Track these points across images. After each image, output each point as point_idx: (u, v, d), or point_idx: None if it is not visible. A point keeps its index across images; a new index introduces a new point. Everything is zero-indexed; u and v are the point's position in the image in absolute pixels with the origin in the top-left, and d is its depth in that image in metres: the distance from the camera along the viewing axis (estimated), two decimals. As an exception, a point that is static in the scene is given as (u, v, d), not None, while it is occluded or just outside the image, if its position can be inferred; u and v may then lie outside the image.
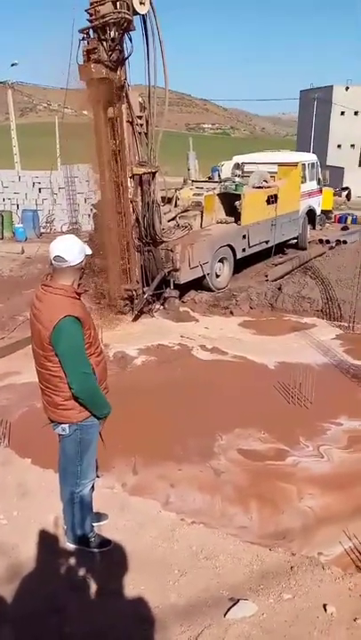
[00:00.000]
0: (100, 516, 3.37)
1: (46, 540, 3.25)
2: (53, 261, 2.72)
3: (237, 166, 11.75)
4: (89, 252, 2.83)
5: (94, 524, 3.25)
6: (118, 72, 6.76)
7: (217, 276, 9.19)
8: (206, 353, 6.56)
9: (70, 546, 3.18)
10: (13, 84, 21.67)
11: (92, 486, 3.17)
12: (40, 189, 15.95)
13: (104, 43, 6.52)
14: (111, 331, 7.17)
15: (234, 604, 2.72)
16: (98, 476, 3.36)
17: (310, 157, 12.47)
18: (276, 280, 9.31)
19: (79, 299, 2.80)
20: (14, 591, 2.85)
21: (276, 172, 10.98)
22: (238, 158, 12.14)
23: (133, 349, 6.58)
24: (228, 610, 2.69)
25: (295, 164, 11.24)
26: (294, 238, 11.87)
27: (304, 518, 3.59)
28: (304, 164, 11.57)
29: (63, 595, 2.84)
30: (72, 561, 3.11)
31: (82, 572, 3.03)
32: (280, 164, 11.22)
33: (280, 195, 10.24)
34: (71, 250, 2.71)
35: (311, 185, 12.12)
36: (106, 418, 2.95)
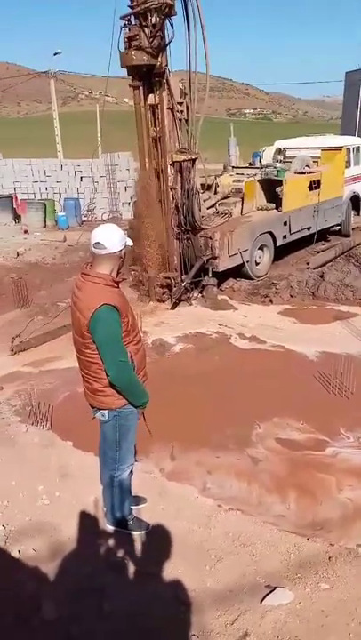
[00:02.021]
0: (138, 500, 3.44)
1: (86, 521, 3.34)
2: (93, 248, 2.75)
3: (279, 152, 11.51)
4: (130, 242, 2.85)
5: (133, 507, 3.31)
6: (159, 58, 6.73)
7: (256, 263, 9.08)
8: (244, 341, 6.53)
9: (109, 527, 3.26)
10: (56, 74, 21.92)
11: (131, 471, 3.23)
12: (82, 178, 16.13)
13: (145, 29, 6.49)
14: (150, 318, 7.22)
15: (270, 592, 2.73)
16: (136, 461, 3.42)
17: (355, 141, 12.07)
18: (317, 268, 9.11)
19: (118, 287, 2.83)
20: (56, 569, 2.95)
21: (319, 157, 10.70)
22: (280, 143, 11.89)
23: (172, 337, 6.62)
24: (265, 597, 2.70)
25: (339, 149, 10.91)
26: (338, 225, 11.57)
27: (343, 509, 3.55)
28: (349, 148, 11.21)
29: (102, 574, 2.92)
30: (111, 542, 3.19)
31: (120, 553, 3.11)
32: (323, 149, 10.92)
33: (323, 180, 9.98)
34: (111, 237, 2.74)
35: (356, 170, 11.73)
36: (144, 407, 2.98)
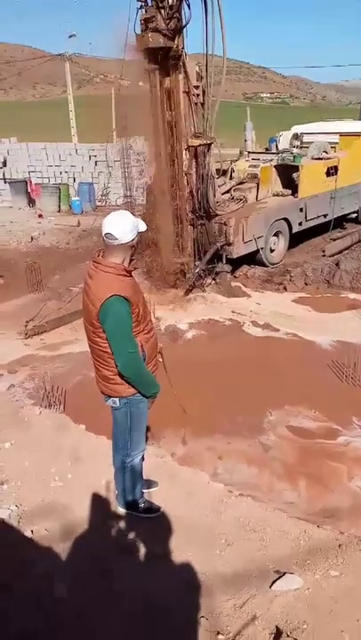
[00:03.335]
0: (150, 483, 3.46)
1: (98, 504, 3.38)
2: (105, 238, 2.71)
3: (296, 137, 11.33)
4: (143, 228, 2.78)
5: (144, 491, 3.34)
6: (176, 41, 6.63)
7: (271, 250, 9.01)
8: (258, 329, 6.50)
9: (121, 510, 3.29)
10: (71, 57, 21.74)
11: (143, 456, 3.25)
12: (96, 162, 16.07)
13: (162, 11, 6.39)
14: (162, 304, 7.22)
15: (280, 577, 2.74)
16: (147, 445, 3.44)
17: (375, 126, 11.83)
18: (333, 255, 9.02)
19: (130, 276, 2.79)
20: (68, 550, 3.00)
21: (337, 143, 10.52)
22: (297, 128, 11.70)
23: (184, 323, 6.62)
24: (274, 582, 2.72)
25: (358, 134, 10.71)
26: (355, 212, 11.41)
27: (354, 498, 3.55)
28: (368, 134, 11.00)
29: (113, 556, 2.96)
30: (122, 525, 3.23)
31: (131, 535, 3.14)
32: (342, 134, 10.72)
33: (341, 166, 9.82)
34: (122, 227, 2.67)
35: (375, 156, 11.53)
36: (154, 397, 2.97)
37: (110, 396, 2.95)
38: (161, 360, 3.36)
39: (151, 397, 2.97)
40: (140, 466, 3.21)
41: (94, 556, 2.95)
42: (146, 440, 3.33)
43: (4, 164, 15.97)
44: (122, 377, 2.81)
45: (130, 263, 2.80)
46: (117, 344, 2.72)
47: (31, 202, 15.21)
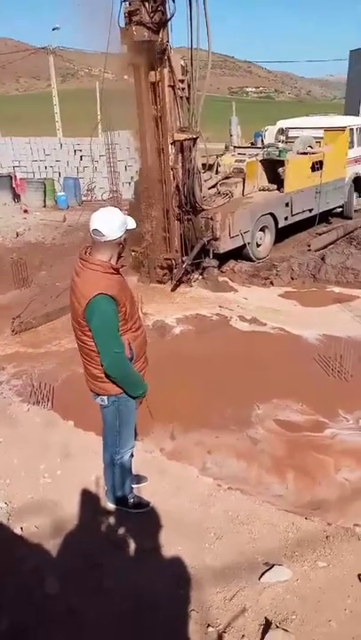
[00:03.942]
0: (140, 478, 3.48)
1: (88, 499, 3.38)
2: (92, 235, 2.67)
3: (281, 131, 11.35)
4: (131, 225, 2.73)
5: (134, 486, 3.35)
6: (160, 34, 6.60)
7: (258, 245, 9.04)
8: (245, 324, 6.53)
9: (110, 505, 3.30)
10: (55, 50, 21.51)
11: (132, 452, 3.25)
12: (81, 157, 15.98)
13: (146, 4, 6.35)
14: (150, 300, 7.22)
15: (268, 569, 2.78)
16: (137, 440, 3.45)
17: (359, 121, 11.91)
18: (319, 250, 9.08)
19: (117, 274, 2.74)
20: (58, 546, 3.00)
21: (322, 138, 10.57)
22: (282, 123, 11.72)
23: (172, 319, 6.62)
24: (263, 574, 2.75)
25: (343, 129, 10.77)
26: (340, 207, 11.46)
27: (341, 490, 3.60)
28: (352, 129, 11.05)
29: (103, 552, 2.97)
30: (112, 520, 3.23)
31: (121, 531, 3.16)
32: (326, 129, 10.78)
33: (326, 161, 9.86)
34: (110, 224, 2.62)
35: (359, 150, 11.61)
36: (141, 397, 2.95)
37: (98, 394, 2.93)
38: None
39: (138, 398, 2.94)
40: (129, 462, 3.22)
41: (84, 552, 2.96)
42: (135, 436, 3.33)
43: (-12, 158, 15.80)
44: (107, 377, 2.79)
45: (117, 261, 2.76)
46: (103, 343, 2.69)
47: (16, 197, 15.05)
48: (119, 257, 2.77)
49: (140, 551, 3.00)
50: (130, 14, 6.51)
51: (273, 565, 2.80)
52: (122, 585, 2.74)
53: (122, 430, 3.03)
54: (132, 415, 3.05)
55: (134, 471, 3.34)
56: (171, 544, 3.01)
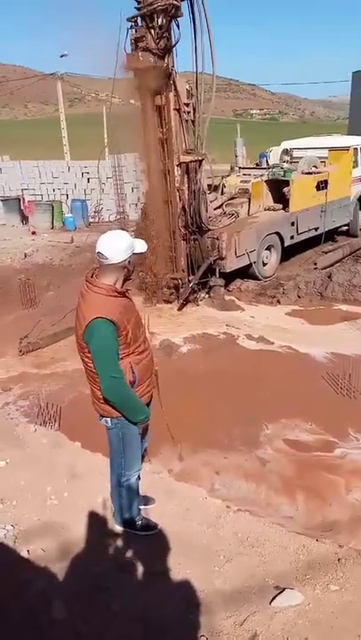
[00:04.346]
0: (147, 500, 3.43)
1: (95, 521, 3.34)
2: (97, 257, 2.67)
3: (286, 152, 11.50)
4: (140, 249, 2.71)
5: (141, 507, 3.31)
6: (166, 60, 6.75)
7: (264, 264, 9.07)
8: (252, 342, 6.51)
9: (118, 528, 3.26)
10: (62, 76, 22.04)
11: (139, 475, 3.20)
12: (88, 179, 16.19)
13: (152, 30, 6.51)
14: (157, 319, 7.23)
15: (279, 593, 2.72)
16: (143, 462, 3.41)
17: (363, 141, 12.02)
18: (325, 268, 9.08)
19: (122, 297, 2.72)
20: (65, 569, 2.96)
21: (326, 157, 10.68)
22: (287, 144, 11.87)
23: (179, 338, 6.61)
24: (274, 598, 2.69)
25: (347, 149, 10.88)
26: (345, 225, 11.53)
27: (352, 511, 3.54)
28: (356, 148, 11.17)
29: (111, 575, 2.92)
30: (119, 542, 3.19)
31: (129, 553, 3.11)
32: (331, 149, 10.89)
33: (330, 180, 9.95)
34: (114, 247, 2.62)
35: (364, 170, 11.70)
36: (143, 422, 2.89)
37: (103, 416, 2.92)
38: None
39: (139, 423, 2.89)
40: (136, 484, 3.18)
41: (92, 575, 2.91)
42: (142, 458, 3.30)
43: (-3, 181, 16.06)
44: (106, 400, 2.76)
45: (123, 284, 2.75)
46: (100, 367, 2.67)
47: (24, 219, 15.26)
48: (125, 280, 2.76)
49: (148, 574, 2.95)
50: (136, 41, 6.69)
51: (284, 589, 2.74)
52: (129, 609, 2.68)
53: (126, 453, 3.00)
54: (136, 439, 2.99)
55: (142, 492, 3.31)
56: (179, 567, 2.96)
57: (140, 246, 2.74)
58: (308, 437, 4.44)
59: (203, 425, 4.54)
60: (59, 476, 3.81)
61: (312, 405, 4.86)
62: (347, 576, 2.84)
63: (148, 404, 2.98)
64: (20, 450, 4.18)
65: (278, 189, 9.44)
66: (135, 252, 2.71)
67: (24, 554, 3.08)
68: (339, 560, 2.96)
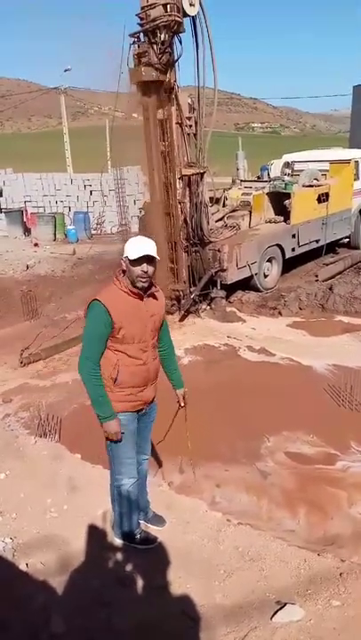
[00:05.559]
0: (159, 521, 3.37)
1: (95, 535, 3.32)
2: None
3: (287, 165, 11.56)
4: (132, 256, 2.70)
5: (141, 522, 3.28)
6: (168, 74, 6.83)
7: (265, 275, 9.10)
8: (253, 354, 6.50)
9: (118, 541, 3.23)
10: (66, 90, 22.29)
11: (135, 485, 3.13)
12: (91, 192, 16.32)
13: (154, 46, 6.60)
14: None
15: (281, 608, 2.68)
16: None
17: (364, 154, 12.10)
18: (326, 280, 9.11)
19: (132, 296, 2.78)
20: (64, 583, 2.93)
21: (327, 170, 10.75)
22: (288, 157, 11.95)
23: (180, 349, 6.59)
24: (275, 613, 2.66)
25: (348, 161, 10.95)
26: (346, 237, 11.57)
27: (354, 525, 3.50)
28: (357, 161, 11.24)
29: (111, 588, 2.90)
30: (119, 556, 3.16)
31: (129, 567, 3.08)
32: (332, 162, 10.97)
33: (332, 193, 10.01)
34: (127, 245, 2.79)
35: (365, 182, 11.76)
36: (101, 420, 2.86)
37: None
38: (183, 405, 3.39)
39: (101, 421, 2.86)
40: (133, 494, 3.11)
41: (92, 589, 2.89)
42: (144, 473, 3.29)
43: (0, 194, 16.16)
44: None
45: (134, 286, 2.79)
46: (83, 344, 2.84)
47: (27, 231, 15.34)
48: (132, 283, 2.80)
49: (148, 588, 2.92)
50: (139, 56, 6.79)
51: (285, 604, 2.71)
52: (130, 623, 2.65)
53: (113, 453, 3.01)
54: (123, 440, 2.93)
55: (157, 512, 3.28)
56: (180, 581, 2.93)
57: (132, 253, 2.72)
58: (309, 450, 4.41)
59: (204, 437, 4.50)
60: (59, 488, 3.79)
61: (314, 418, 4.84)
62: (349, 591, 2.80)
63: (138, 412, 3.00)
64: (20, 462, 4.16)
65: (280, 202, 9.50)
66: (130, 257, 2.72)
67: (23, 567, 3.05)
68: (341, 575, 2.93)
